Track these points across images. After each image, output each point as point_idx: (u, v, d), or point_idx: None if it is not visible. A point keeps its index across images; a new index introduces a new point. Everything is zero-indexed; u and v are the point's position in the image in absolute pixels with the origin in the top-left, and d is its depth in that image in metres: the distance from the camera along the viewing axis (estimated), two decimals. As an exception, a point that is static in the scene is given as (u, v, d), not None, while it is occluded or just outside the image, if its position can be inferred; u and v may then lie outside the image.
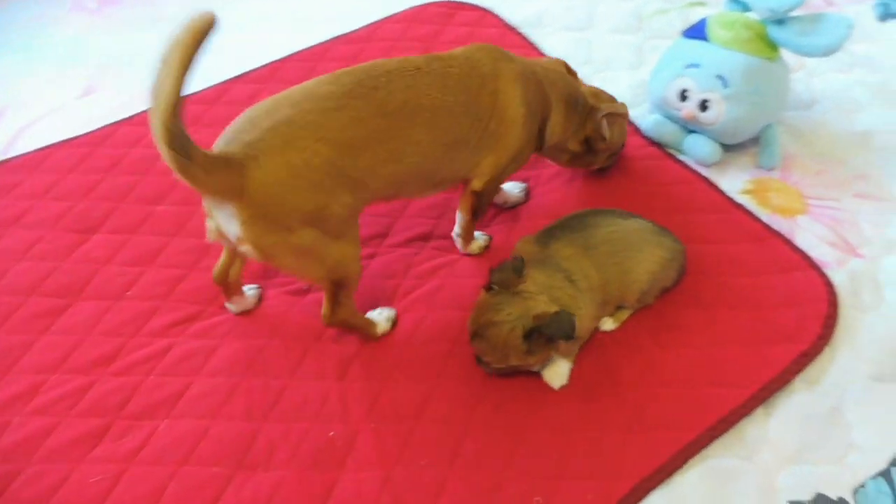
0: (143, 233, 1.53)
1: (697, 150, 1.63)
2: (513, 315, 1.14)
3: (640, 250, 1.30)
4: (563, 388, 1.25)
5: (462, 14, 2.11)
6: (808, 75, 1.82)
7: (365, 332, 1.33)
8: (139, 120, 1.76)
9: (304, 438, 1.20)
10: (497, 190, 1.45)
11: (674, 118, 1.65)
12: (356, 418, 1.22)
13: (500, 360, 1.18)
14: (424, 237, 1.52)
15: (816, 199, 1.55)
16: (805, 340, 1.30)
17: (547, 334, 1.12)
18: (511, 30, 2.05)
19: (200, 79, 1.82)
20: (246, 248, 1.11)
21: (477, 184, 1.35)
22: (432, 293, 1.41)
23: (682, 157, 1.65)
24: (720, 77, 1.53)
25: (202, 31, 0.89)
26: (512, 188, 1.57)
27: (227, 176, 1.03)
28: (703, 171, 1.61)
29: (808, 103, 1.76)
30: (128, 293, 1.42)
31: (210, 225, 1.17)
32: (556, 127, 1.40)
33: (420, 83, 1.19)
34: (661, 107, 1.66)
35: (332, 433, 1.20)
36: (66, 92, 1.90)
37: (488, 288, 1.19)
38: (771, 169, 1.62)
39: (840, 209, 1.53)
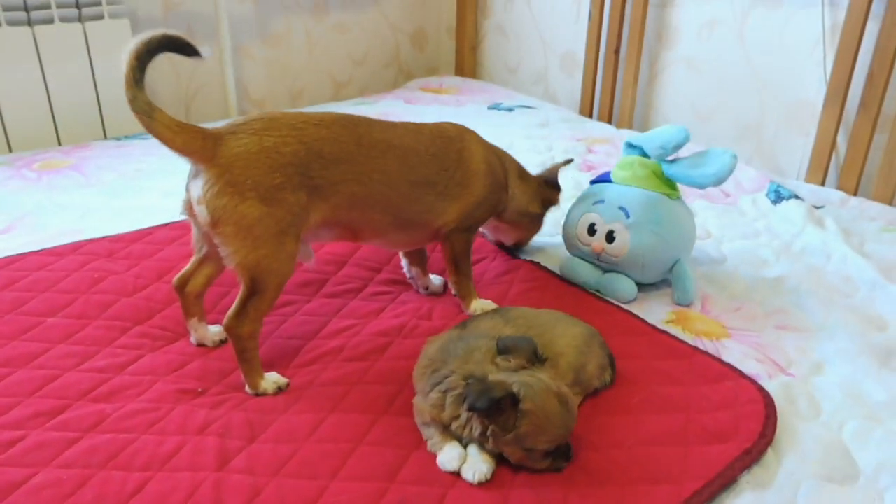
0: None
1: (614, 287, 1.63)
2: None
3: (554, 326, 1.26)
4: (481, 484, 1.08)
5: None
6: (716, 242, 1.92)
7: (249, 372, 1.28)
8: (49, 251, 1.73)
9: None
10: (469, 243, 1.56)
11: (588, 258, 1.68)
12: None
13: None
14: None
15: (738, 330, 1.53)
16: (746, 439, 1.18)
17: None
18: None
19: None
20: (200, 210, 1.21)
21: (445, 228, 1.49)
22: (339, 398, 1.27)
23: (600, 296, 1.64)
24: (622, 208, 1.62)
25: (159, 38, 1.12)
26: (435, 278, 1.66)
27: (199, 141, 1.19)
28: (624, 306, 1.60)
29: (720, 260, 1.83)
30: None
31: (185, 197, 1.27)
32: (516, 191, 1.64)
33: (396, 130, 1.40)
34: (575, 246, 1.70)
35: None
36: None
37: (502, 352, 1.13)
38: (688, 305, 1.62)
39: (763, 336, 1.50)
